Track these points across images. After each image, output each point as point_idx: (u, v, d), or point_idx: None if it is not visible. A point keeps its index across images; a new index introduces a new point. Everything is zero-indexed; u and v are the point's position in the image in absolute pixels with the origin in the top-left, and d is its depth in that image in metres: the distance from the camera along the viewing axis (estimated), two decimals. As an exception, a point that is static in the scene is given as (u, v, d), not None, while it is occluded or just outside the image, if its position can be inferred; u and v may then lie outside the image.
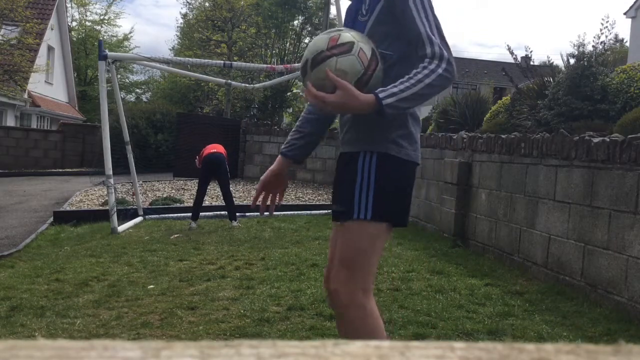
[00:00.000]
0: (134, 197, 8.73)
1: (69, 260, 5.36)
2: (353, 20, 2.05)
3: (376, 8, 1.93)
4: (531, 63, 10.13)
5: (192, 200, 8.01)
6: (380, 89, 1.76)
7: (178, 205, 9.17)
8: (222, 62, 8.72)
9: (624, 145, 3.79)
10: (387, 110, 1.74)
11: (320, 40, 1.85)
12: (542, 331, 3.35)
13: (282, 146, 2.20)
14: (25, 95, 19.94)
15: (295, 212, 8.32)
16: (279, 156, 2.20)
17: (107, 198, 7.74)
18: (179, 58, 14.10)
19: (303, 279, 4.43)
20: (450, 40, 1.89)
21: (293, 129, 2.21)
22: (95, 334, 3.28)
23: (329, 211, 2.26)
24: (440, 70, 1.79)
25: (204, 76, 13.40)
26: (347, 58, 1.78)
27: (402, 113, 1.89)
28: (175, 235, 6.66)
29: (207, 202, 8.76)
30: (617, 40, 25.24)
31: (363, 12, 1.97)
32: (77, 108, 27.39)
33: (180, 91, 29.80)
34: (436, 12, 1.91)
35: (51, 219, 7.92)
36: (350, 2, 2.15)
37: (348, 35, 1.83)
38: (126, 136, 8.20)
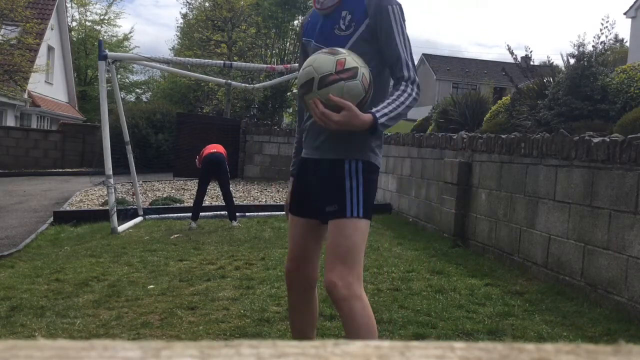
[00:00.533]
0: (134, 197, 8.73)
1: (69, 260, 5.36)
2: (322, 34, 2.18)
3: (361, 26, 2.10)
4: (531, 63, 10.13)
5: (192, 200, 8.01)
6: (375, 109, 2.01)
7: (178, 205, 9.17)
8: (222, 62, 8.72)
9: (624, 145, 3.79)
10: (380, 128, 2.01)
11: (327, 62, 1.98)
12: (542, 331, 3.35)
13: (290, 168, 2.50)
14: (25, 95, 19.94)
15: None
16: (290, 177, 2.46)
17: (107, 198, 7.74)
18: (179, 58, 14.10)
19: (303, 279, 4.43)
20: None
21: (294, 151, 2.46)
22: (95, 334, 3.28)
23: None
24: (414, 94, 2.09)
25: (204, 76, 13.40)
26: (353, 83, 1.97)
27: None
28: (175, 235, 6.66)
29: (207, 202, 8.76)
30: (617, 40, 25.23)
31: (342, 27, 2.12)
32: (77, 108, 27.39)
33: (180, 91, 29.78)
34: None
35: (51, 219, 7.92)
36: (309, 18, 2.30)
37: (351, 59, 1.99)
38: (126, 136, 8.19)
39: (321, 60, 1.99)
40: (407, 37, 2.13)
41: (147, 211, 8.29)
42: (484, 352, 0.39)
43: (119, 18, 48.42)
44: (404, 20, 2.13)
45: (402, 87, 2.07)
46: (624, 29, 29.40)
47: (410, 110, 2.14)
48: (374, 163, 2.17)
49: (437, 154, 7.01)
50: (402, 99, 2.05)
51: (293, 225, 2.32)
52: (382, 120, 1.99)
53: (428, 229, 7.03)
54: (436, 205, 6.85)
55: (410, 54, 2.13)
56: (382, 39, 2.10)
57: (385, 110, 2.00)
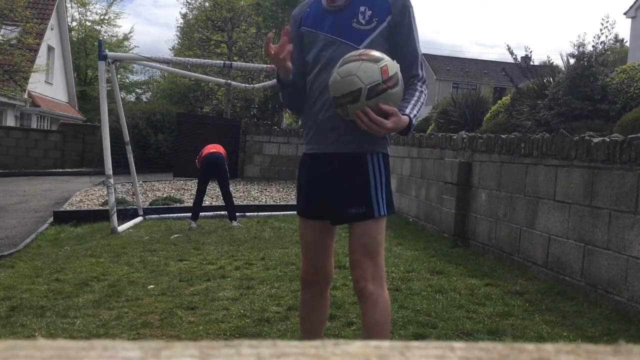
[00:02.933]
0: (134, 197, 8.73)
1: (69, 260, 5.35)
2: (336, 26, 2.17)
3: (383, 23, 2.15)
4: (531, 63, 10.12)
5: (192, 200, 8.01)
6: (407, 111, 2.08)
7: (178, 205, 9.17)
8: (222, 62, 8.72)
9: (624, 145, 3.79)
10: (412, 128, 2.10)
11: (372, 71, 1.97)
12: (542, 331, 3.35)
13: None
14: (25, 95, 19.93)
15: (296, 212, 8.31)
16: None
17: (107, 198, 7.74)
18: (179, 58, 14.09)
19: (303, 279, 4.42)
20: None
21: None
22: (95, 334, 3.28)
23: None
24: (426, 92, 2.21)
25: (204, 76, 13.39)
26: (397, 89, 2.02)
27: None
28: (175, 235, 6.66)
29: (207, 202, 8.76)
30: (617, 40, 25.23)
31: (361, 21, 2.14)
32: (77, 108, 27.38)
33: (180, 91, 29.77)
34: None
35: (51, 219, 7.92)
36: (308, 9, 2.27)
37: (391, 64, 2.01)
38: (126, 136, 8.19)
39: (366, 69, 1.96)
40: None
41: (147, 211, 8.29)
42: (484, 352, 0.38)
43: (119, 18, 48.46)
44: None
45: (418, 87, 2.18)
46: (624, 29, 29.41)
47: None
48: (388, 154, 2.25)
49: (437, 154, 7.01)
50: (422, 99, 2.16)
51: (305, 229, 2.29)
52: (413, 120, 2.10)
53: (428, 229, 7.03)
54: (436, 205, 6.85)
55: (421, 54, 2.28)
56: (402, 37, 2.18)
57: (415, 112, 2.10)
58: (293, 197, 10.79)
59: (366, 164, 2.14)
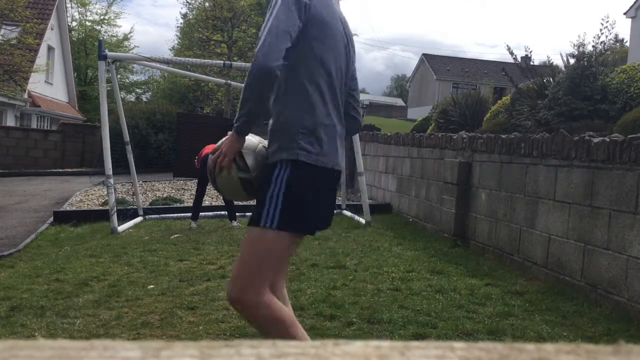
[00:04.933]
0: (134, 197, 8.73)
1: (69, 260, 5.35)
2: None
3: None
4: (531, 63, 10.12)
5: (192, 200, 8.01)
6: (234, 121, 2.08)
7: (178, 205, 9.17)
8: (222, 62, 8.71)
9: (624, 145, 3.79)
10: (239, 128, 2.02)
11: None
12: (542, 331, 3.35)
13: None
14: (25, 95, 19.93)
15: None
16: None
17: (107, 198, 7.74)
18: (179, 58, 14.08)
19: (303, 279, 4.43)
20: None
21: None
22: (95, 334, 3.28)
23: None
24: (252, 67, 1.93)
25: (204, 76, 13.40)
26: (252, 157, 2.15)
27: (314, 123, 2.03)
28: (175, 235, 6.66)
29: (207, 202, 8.76)
30: (617, 40, 25.21)
31: None
32: (77, 108, 27.38)
33: (180, 91, 29.78)
34: (277, 16, 1.96)
35: (51, 219, 7.92)
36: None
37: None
38: (126, 136, 8.19)
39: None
40: (269, 16, 1.97)
41: (147, 211, 8.29)
42: (484, 352, 0.38)
43: (119, 18, 48.43)
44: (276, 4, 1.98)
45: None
46: (624, 29, 29.41)
47: (257, 83, 1.94)
48: (305, 161, 2.00)
49: (437, 154, 7.01)
50: (245, 92, 1.98)
51: (291, 245, 2.12)
52: (236, 123, 2.02)
53: (428, 229, 7.03)
54: (436, 205, 6.85)
55: (269, 29, 1.94)
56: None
57: (236, 115, 2.04)
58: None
59: (272, 173, 2.04)
